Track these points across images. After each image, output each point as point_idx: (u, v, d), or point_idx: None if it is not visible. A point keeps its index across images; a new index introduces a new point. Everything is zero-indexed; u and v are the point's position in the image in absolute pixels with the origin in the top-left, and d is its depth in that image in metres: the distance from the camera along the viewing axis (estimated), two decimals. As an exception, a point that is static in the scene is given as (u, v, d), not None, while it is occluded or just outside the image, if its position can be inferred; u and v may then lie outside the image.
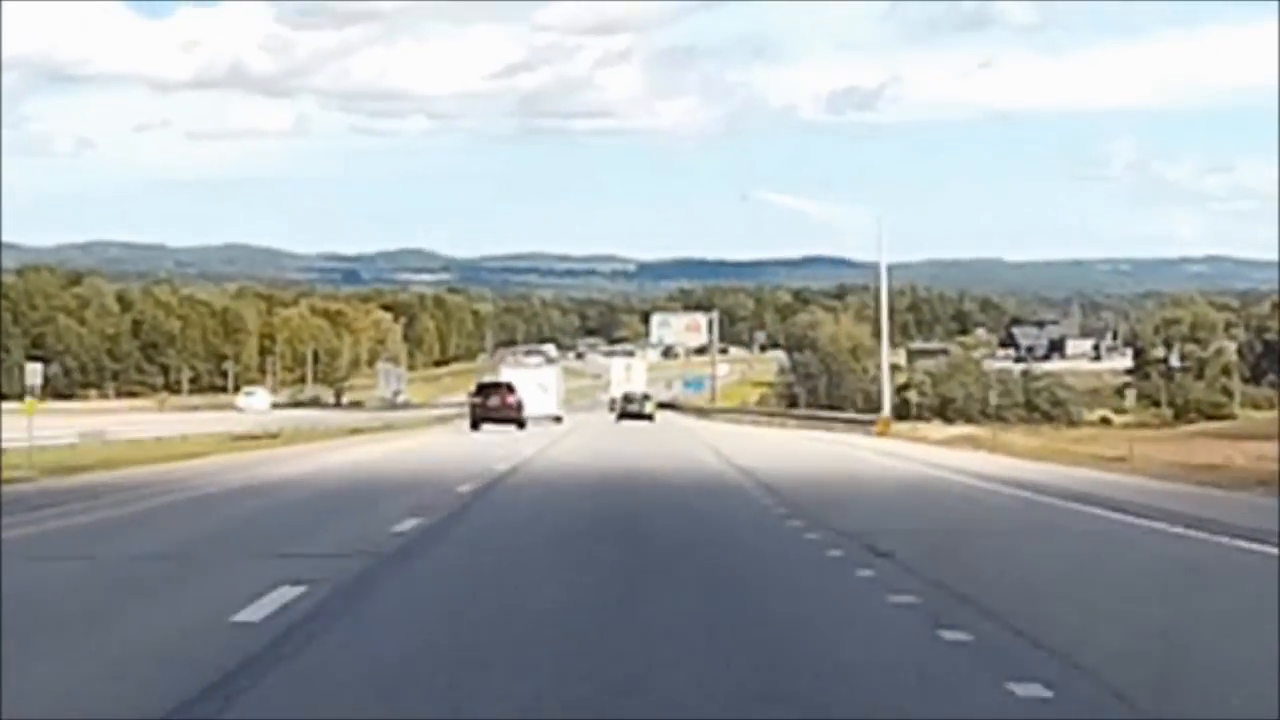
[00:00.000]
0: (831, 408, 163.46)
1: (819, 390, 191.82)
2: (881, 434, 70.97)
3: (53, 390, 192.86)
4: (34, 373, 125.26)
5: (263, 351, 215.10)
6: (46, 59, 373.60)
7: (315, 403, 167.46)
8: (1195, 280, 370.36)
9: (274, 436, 67.67)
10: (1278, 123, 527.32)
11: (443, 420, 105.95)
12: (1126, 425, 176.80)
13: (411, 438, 71.03)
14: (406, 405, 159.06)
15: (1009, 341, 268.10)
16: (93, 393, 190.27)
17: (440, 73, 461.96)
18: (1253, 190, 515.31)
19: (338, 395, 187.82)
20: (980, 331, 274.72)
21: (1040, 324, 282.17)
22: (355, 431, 78.69)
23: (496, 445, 55.52)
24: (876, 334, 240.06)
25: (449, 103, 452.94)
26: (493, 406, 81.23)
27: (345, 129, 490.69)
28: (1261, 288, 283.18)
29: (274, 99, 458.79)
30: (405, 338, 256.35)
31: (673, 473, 40.30)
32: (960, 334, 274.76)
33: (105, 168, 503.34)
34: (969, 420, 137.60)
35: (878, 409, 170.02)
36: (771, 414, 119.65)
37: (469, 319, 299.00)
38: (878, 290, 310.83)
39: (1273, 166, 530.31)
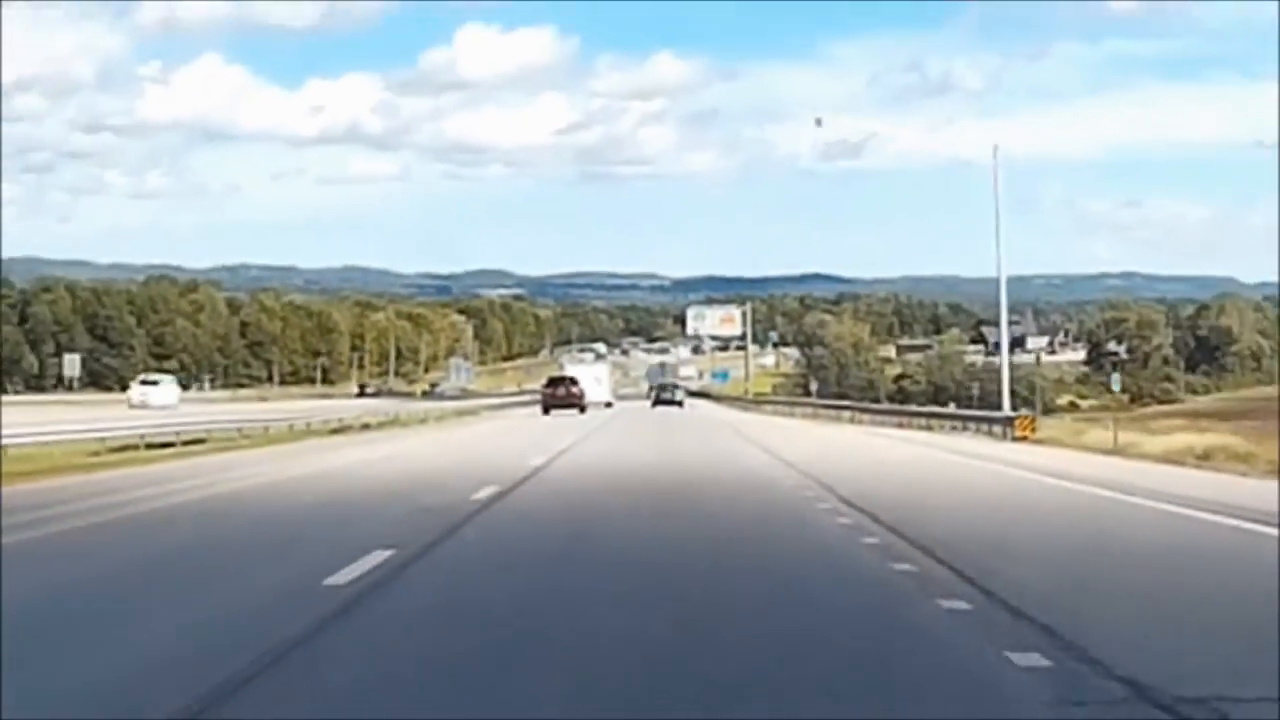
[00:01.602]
0: (841, 396, 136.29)
1: (829, 380, 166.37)
2: (1023, 438, 37.09)
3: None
4: (71, 364, 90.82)
5: (353, 349, 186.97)
6: (204, 122, 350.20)
7: (378, 393, 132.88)
8: (1112, 291, 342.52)
9: (198, 442, 36.67)
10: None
11: (463, 414, 73.46)
12: (1092, 408, 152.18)
13: (402, 440, 40.69)
14: (442, 396, 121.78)
15: (979, 339, 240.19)
16: (206, 384, 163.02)
17: (515, 130, 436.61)
18: (1156, 222, 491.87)
19: (361, 387, 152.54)
20: (954, 330, 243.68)
21: (1021, 329, 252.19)
22: (339, 431, 47.45)
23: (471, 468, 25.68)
24: (874, 332, 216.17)
25: (522, 154, 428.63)
26: (560, 395, 73.09)
27: (439, 175, 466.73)
28: (1167, 296, 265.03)
29: (383, 152, 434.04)
30: (477, 337, 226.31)
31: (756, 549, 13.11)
32: (936, 333, 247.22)
33: (250, 207, 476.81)
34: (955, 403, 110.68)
35: (879, 399, 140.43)
36: (837, 408, 74.35)
37: (531, 321, 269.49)
38: (869, 297, 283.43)
39: (1172, 202, 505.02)
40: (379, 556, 11.57)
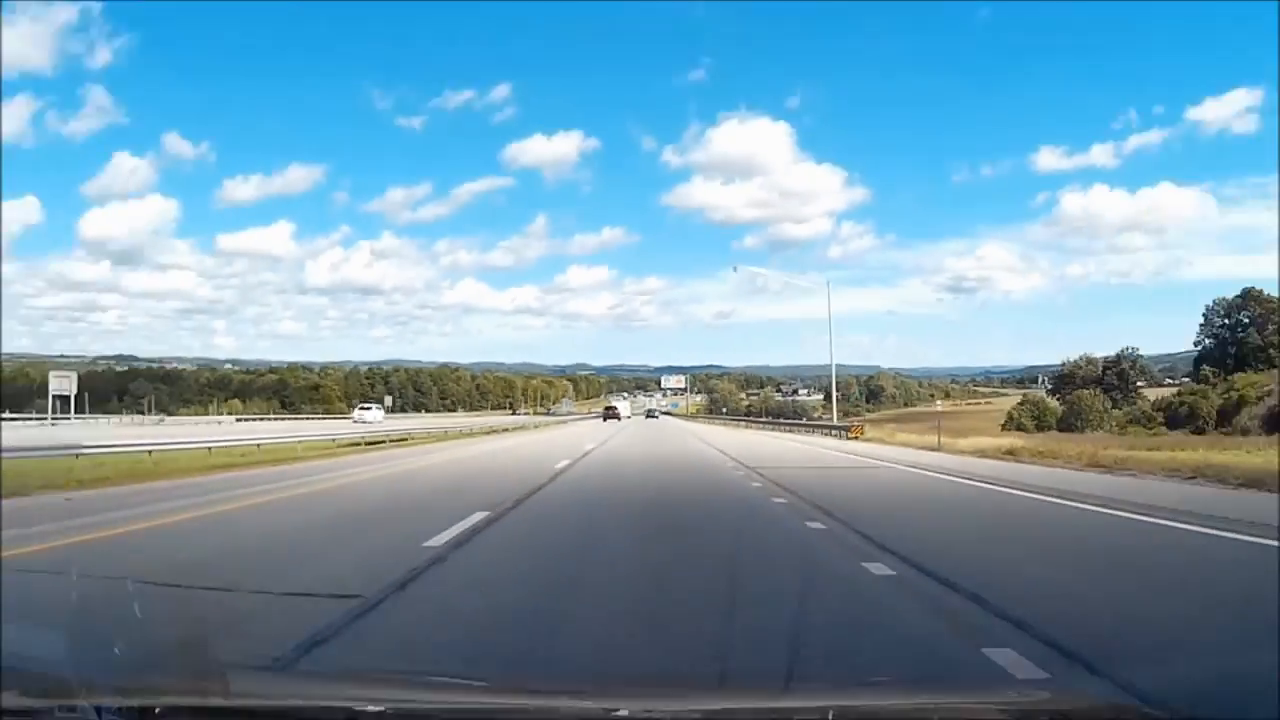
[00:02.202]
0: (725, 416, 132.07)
1: (723, 410, 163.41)
2: (855, 438, 25.31)
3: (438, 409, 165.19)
4: (383, 401, 78.96)
5: (522, 395, 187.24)
6: (466, 304, 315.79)
7: (521, 413, 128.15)
8: (855, 371, 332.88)
9: (402, 440, 24.11)
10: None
11: (562, 423, 57.81)
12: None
13: (521, 436, 30.68)
14: (554, 415, 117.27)
15: (779, 391, 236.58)
16: (459, 410, 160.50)
17: (590, 308, 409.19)
18: (850, 344, 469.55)
19: (513, 408, 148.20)
20: (769, 388, 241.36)
21: (794, 387, 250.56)
22: (491, 432, 33.84)
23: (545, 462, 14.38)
24: (738, 388, 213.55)
25: (593, 317, 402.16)
26: (610, 414, 64.74)
27: (561, 327, 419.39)
28: (855, 374, 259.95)
29: (538, 317, 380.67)
30: (575, 391, 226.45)
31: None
32: (760, 389, 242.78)
33: (484, 340, 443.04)
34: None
35: (742, 417, 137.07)
36: (737, 420, 62.59)
37: (595, 384, 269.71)
38: (735, 374, 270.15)
39: (855, 336, 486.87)
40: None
